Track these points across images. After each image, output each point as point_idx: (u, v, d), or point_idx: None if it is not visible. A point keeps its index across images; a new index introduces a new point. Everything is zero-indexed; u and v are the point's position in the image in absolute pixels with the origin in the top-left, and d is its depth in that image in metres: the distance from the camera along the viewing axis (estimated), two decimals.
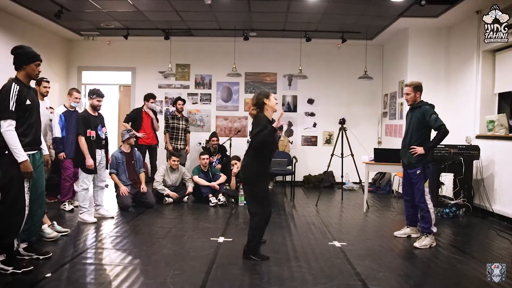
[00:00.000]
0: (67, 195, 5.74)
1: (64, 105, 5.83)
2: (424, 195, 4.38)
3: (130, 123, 7.22)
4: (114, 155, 6.12)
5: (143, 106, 7.43)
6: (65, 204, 5.70)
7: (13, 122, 3.29)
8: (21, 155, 3.30)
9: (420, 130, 4.43)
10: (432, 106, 4.45)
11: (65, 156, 5.67)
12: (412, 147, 4.41)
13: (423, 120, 4.37)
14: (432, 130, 4.42)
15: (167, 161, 6.85)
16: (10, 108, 3.27)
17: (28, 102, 3.39)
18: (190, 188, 6.62)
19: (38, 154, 3.56)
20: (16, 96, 3.30)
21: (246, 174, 3.82)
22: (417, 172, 4.41)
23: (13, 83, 3.34)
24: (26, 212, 3.38)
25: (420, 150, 4.35)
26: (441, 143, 5.73)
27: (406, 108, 7.25)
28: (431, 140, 4.47)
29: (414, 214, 4.61)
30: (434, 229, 4.40)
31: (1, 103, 3.28)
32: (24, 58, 3.43)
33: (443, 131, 4.26)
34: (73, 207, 5.72)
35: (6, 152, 3.30)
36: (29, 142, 3.43)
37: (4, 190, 3.35)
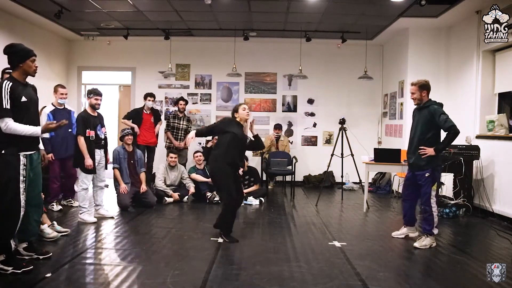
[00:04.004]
0: (55, 196, 5.71)
1: (52, 104, 5.70)
2: (430, 198, 4.28)
3: (130, 120, 7.21)
4: (117, 150, 6.10)
5: (143, 106, 7.40)
6: (53, 205, 5.66)
7: (9, 119, 3.28)
8: (35, 131, 3.38)
9: (429, 131, 4.25)
10: (441, 105, 4.29)
11: (53, 158, 5.59)
12: (421, 147, 4.25)
13: (433, 121, 4.21)
14: (442, 130, 4.26)
15: (166, 159, 6.86)
16: (4, 107, 3.25)
17: (23, 99, 3.36)
18: (192, 189, 6.63)
19: (35, 154, 3.53)
20: (8, 93, 3.27)
21: None
22: (426, 175, 4.26)
23: (5, 81, 3.33)
24: (22, 213, 3.36)
25: (430, 151, 4.19)
26: None
27: (406, 108, 7.24)
28: (441, 141, 4.29)
29: (412, 214, 4.59)
30: (436, 231, 4.37)
31: None
32: (18, 56, 3.40)
33: (453, 132, 4.10)
34: (61, 207, 5.71)
35: (3, 151, 3.29)
36: (27, 142, 3.41)
37: (0, 191, 3.34)
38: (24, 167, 3.36)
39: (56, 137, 5.63)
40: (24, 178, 3.37)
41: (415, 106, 4.48)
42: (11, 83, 3.32)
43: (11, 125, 3.28)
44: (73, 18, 7.30)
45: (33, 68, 3.46)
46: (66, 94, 5.75)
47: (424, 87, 4.33)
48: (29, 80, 3.56)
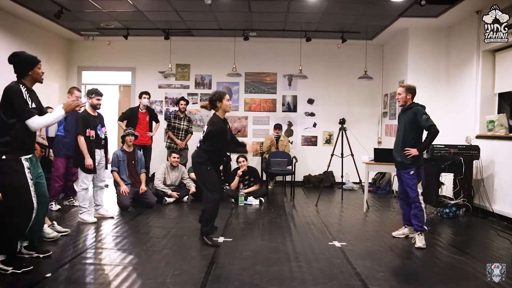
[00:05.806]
0: (55, 196, 5.71)
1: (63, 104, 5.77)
2: (419, 195, 4.41)
3: (125, 121, 7.18)
4: (116, 153, 6.14)
5: (139, 105, 7.37)
6: (51, 204, 5.63)
7: (36, 117, 3.37)
8: (58, 113, 3.48)
9: (413, 131, 4.45)
10: (423, 107, 4.47)
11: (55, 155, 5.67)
12: (406, 149, 4.42)
13: (415, 121, 4.40)
14: (424, 130, 4.43)
15: (167, 159, 6.86)
16: (29, 107, 3.34)
17: (33, 105, 3.43)
18: (193, 188, 6.63)
19: (34, 157, 3.56)
20: (27, 95, 3.36)
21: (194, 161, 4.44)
22: (411, 173, 4.43)
23: (20, 84, 3.38)
24: (33, 215, 3.38)
25: (414, 151, 4.38)
26: (441, 143, 5.78)
27: None
28: (423, 140, 4.48)
29: (410, 213, 4.62)
30: (426, 228, 4.42)
31: (19, 105, 3.30)
32: (25, 65, 3.44)
33: (433, 131, 4.29)
34: (59, 207, 5.71)
35: (4, 157, 3.30)
36: (27, 146, 3.44)
37: (8, 195, 3.35)
38: (29, 170, 3.38)
39: (66, 136, 5.67)
40: (32, 181, 3.39)
41: (401, 109, 4.68)
42: (24, 87, 3.39)
43: (39, 121, 3.40)
44: (73, 18, 7.30)
45: (41, 75, 3.53)
46: (80, 98, 5.79)
47: (410, 90, 4.56)
48: None
